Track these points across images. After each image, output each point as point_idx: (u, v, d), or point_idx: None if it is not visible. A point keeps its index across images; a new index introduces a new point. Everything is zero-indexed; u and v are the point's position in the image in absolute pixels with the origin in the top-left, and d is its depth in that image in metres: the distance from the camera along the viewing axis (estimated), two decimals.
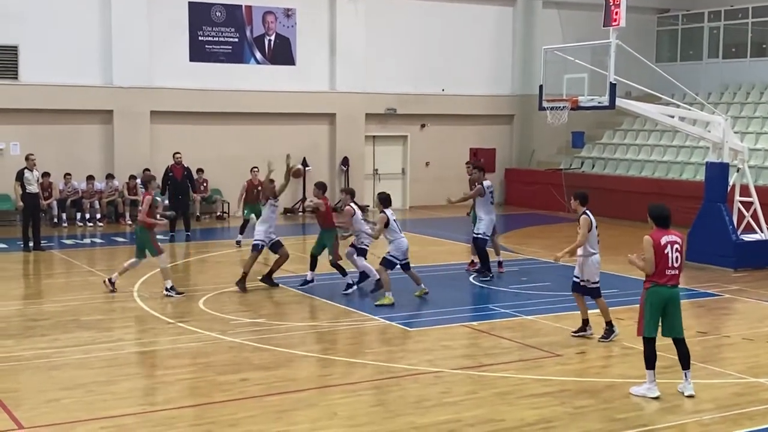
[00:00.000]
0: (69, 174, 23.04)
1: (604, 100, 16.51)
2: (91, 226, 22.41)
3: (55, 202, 22.44)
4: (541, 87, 18.03)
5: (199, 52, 24.84)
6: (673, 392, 9.18)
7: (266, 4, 25.69)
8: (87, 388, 9.16)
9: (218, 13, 25.03)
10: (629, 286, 14.86)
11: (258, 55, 25.67)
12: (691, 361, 9.17)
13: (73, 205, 22.96)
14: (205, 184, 24.55)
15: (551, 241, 18.24)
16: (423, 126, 28.32)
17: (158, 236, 17.34)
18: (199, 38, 24.84)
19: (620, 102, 16.93)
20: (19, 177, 18.40)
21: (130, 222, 22.78)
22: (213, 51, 25.04)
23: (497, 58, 29.23)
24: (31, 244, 18.44)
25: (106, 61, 23.59)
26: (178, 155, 21.24)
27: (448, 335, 11.72)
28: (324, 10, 26.49)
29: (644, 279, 9.15)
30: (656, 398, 8.97)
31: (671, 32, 30.74)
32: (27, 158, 18.67)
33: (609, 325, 11.29)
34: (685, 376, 9.10)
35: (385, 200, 14.05)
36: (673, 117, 18.10)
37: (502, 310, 13.11)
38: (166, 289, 13.95)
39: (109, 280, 14.36)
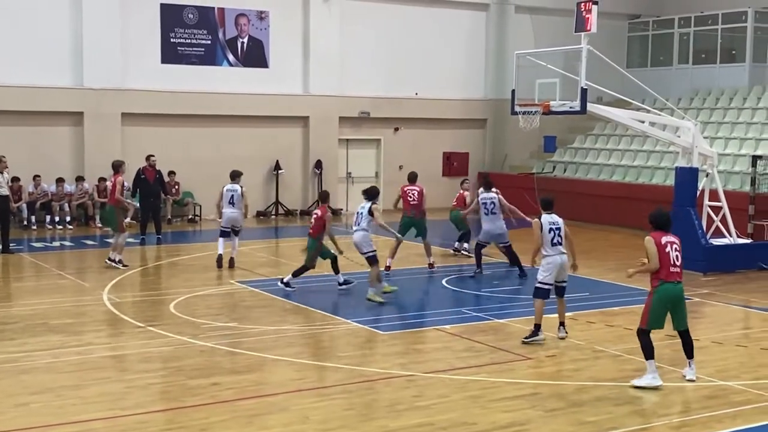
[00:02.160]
0: (38, 176, 22.80)
1: (576, 105, 16.63)
2: (60, 229, 22.19)
3: (24, 205, 22.20)
4: (513, 91, 18.13)
5: (171, 54, 24.68)
6: (642, 395, 9.25)
7: (239, 6, 25.60)
8: (56, 393, 9.07)
9: (191, 15, 24.89)
10: (601, 290, 14.97)
11: (231, 57, 25.57)
12: (663, 363, 9.25)
13: (42, 207, 22.72)
14: (176, 187, 24.40)
15: (524, 244, 18.29)
16: (396, 129, 28.35)
17: (129, 239, 17.29)
18: (171, 40, 24.69)
19: (591, 107, 17.05)
20: None
21: (100, 225, 22.59)
22: (185, 53, 24.90)
23: (470, 63, 29.32)
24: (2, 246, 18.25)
25: (76, 62, 23.38)
26: (152, 158, 21.09)
27: (421, 338, 11.73)
28: (298, 12, 26.44)
29: (651, 278, 9.56)
30: (658, 388, 9.33)
31: (642, 38, 31.00)
32: None
33: (536, 328, 11.29)
34: (690, 365, 9.77)
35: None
36: (643, 122, 18.25)
37: (474, 314, 13.14)
38: (110, 259, 16.34)
39: (112, 259, 16.37)
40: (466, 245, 18.58)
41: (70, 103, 23.31)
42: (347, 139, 27.64)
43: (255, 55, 25.91)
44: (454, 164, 29.00)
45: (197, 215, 24.72)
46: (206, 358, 10.54)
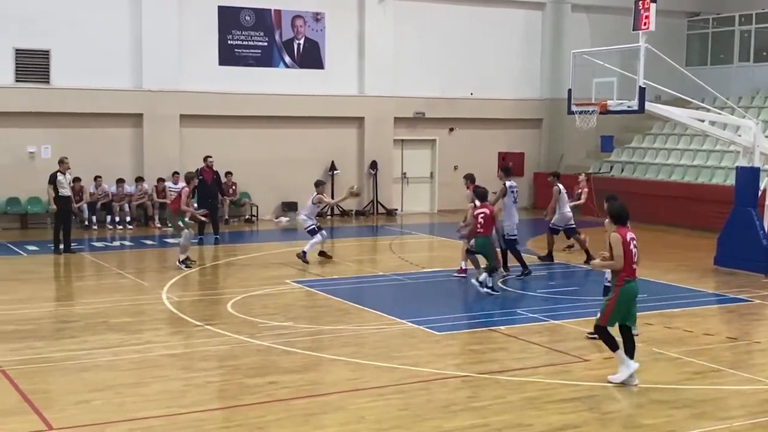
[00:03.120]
0: (99, 177, 23.25)
1: (634, 104, 16.40)
2: (120, 229, 22.60)
3: (85, 205, 22.66)
4: (569, 91, 17.95)
5: (228, 56, 24.98)
6: (702, 398, 9.09)
7: (296, 8, 25.80)
8: (116, 390, 9.23)
9: (247, 17, 25.16)
10: (659, 291, 14.75)
11: (287, 58, 25.78)
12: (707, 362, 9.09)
13: (103, 208, 23.17)
14: (233, 188, 24.68)
15: (580, 245, 18.15)
16: (451, 130, 28.28)
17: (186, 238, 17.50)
18: (228, 42, 24.98)
19: (650, 106, 16.80)
20: (52, 180, 18.60)
21: (159, 225, 22.96)
22: (242, 55, 25.17)
23: (526, 62, 29.13)
24: (61, 246, 18.62)
25: (136, 64, 23.79)
26: (210, 159, 21.38)
27: (476, 339, 11.69)
28: (353, 13, 26.54)
29: (613, 275, 9.56)
30: (633, 376, 9.44)
31: (701, 36, 30.47)
32: (61, 161, 18.87)
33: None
34: (629, 365, 9.50)
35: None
36: (703, 121, 17.95)
37: (530, 315, 13.05)
38: (180, 261, 16.50)
39: (182, 261, 16.60)
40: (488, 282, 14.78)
41: (129, 105, 23.73)
42: (402, 140, 27.66)
43: (311, 57, 26.07)
44: (510, 164, 28.76)
45: (254, 215, 24.96)
46: (263, 357, 10.63)
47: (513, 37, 28.89)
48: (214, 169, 21.49)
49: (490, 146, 28.50)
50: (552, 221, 18.19)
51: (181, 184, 20.56)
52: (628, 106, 16.63)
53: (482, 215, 14.43)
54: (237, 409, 8.73)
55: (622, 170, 27.10)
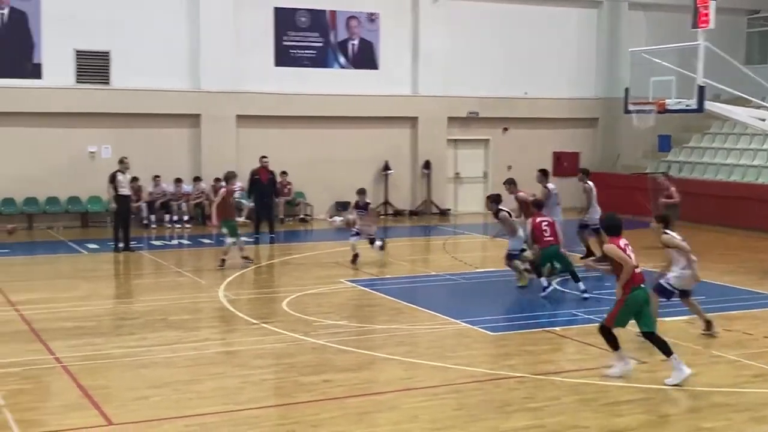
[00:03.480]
0: (158, 176, 23.62)
1: (693, 103, 16.15)
2: (178, 228, 22.93)
3: (144, 204, 23.04)
4: (627, 90, 17.75)
5: (284, 57, 25.19)
6: (762, 402, 8.92)
7: (350, 8, 25.91)
8: (174, 387, 9.37)
9: (303, 18, 25.34)
10: (718, 293, 14.50)
11: (341, 59, 25.90)
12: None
13: (161, 207, 23.53)
14: (289, 187, 24.88)
15: (635, 246, 17.91)
16: (505, 129, 28.14)
17: (243, 238, 17.71)
18: (284, 43, 25.19)
19: (709, 105, 16.53)
20: (112, 179, 18.95)
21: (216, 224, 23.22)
22: (297, 55, 25.36)
23: (581, 61, 28.85)
24: (121, 245, 18.95)
25: (193, 66, 24.12)
26: (264, 159, 21.59)
27: (530, 340, 11.61)
28: (407, 14, 26.57)
29: (623, 286, 9.46)
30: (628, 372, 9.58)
31: (761, 34, 29.86)
32: (121, 161, 19.22)
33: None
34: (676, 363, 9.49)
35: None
36: (763, 120, 17.59)
37: (585, 316, 12.92)
38: (244, 257, 16.86)
39: (245, 257, 16.91)
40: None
41: (187, 105, 24.06)
42: (455, 140, 27.59)
43: (365, 57, 26.16)
44: (564, 164, 28.56)
45: (308, 215, 25.13)
46: (317, 355, 10.70)
47: (568, 35, 28.62)
48: (270, 169, 21.69)
49: (544, 146, 28.29)
50: (584, 218, 17.88)
51: (239, 184, 20.68)
52: (687, 105, 16.39)
53: (546, 223, 14.35)
54: (292, 406, 8.80)
55: (680, 170, 26.68)
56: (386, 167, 26.27)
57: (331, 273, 16.35)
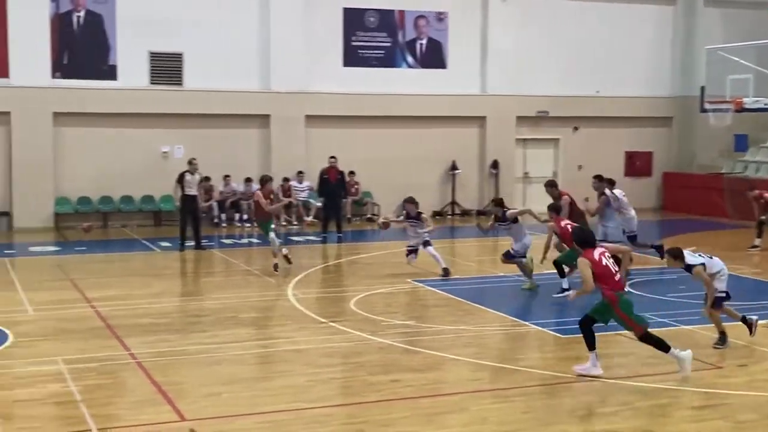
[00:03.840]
0: (228, 176, 23.95)
1: None
2: (248, 227, 23.20)
3: (215, 203, 23.38)
4: (702, 88, 17.38)
5: (352, 57, 25.32)
6: None
7: (419, 8, 25.90)
8: (245, 384, 9.47)
9: (371, 18, 25.42)
10: None
11: (410, 58, 25.91)
12: None
13: (231, 206, 23.85)
14: (356, 187, 24.98)
15: (712, 248, 17.51)
16: (576, 128, 27.80)
17: (311, 237, 17.80)
18: (353, 43, 25.31)
19: None
20: (180, 179, 19.27)
21: (284, 223, 23.47)
22: (366, 56, 25.45)
23: (655, 59, 28.34)
24: (187, 243, 19.19)
25: (264, 67, 24.38)
26: (333, 159, 21.74)
27: (603, 343, 11.40)
28: (476, 12, 26.45)
29: (605, 294, 9.52)
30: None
31: None
32: (190, 162, 19.52)
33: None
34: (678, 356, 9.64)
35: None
36: None
37: (659, 320, 12.65)
38: (285, 256, 16.43)
39: (285, 255, 16.49)
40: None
41: (257, 106, 24.34)
42: (524, 139, 27.37)
43: (433, 56, 26.12)
44: (636, 164, 28.14)
45: (375, 215, 25.18)
46: (385, 354, 10.70)
47: (641, 33, 28.14)
48: (339, 168, 21.83)
49: (616, 145, 27.88)
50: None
51: (302, 183, 20.97)
52: (766, 104, 15.96)
53: (572, 227, 14.05)
54: (361, 405, 8.81)
55: (758, 170, 26.00)
56: (453, 167, 26.19)
57: (399, 273, 16.34)
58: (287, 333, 12.09)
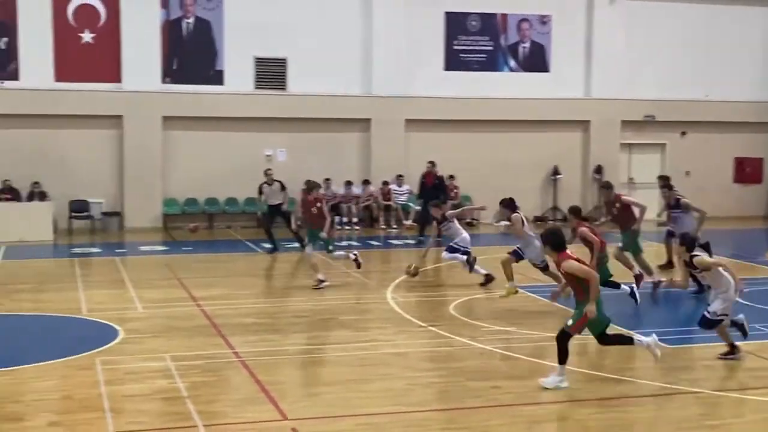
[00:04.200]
0: (329, 179, 24.23)
1: None
2: (348, 229, 23.42)
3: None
4: None
5: (454, 61, 25.31)
6: None
7: (522, 11, 25.70)
8: (345, 385, 9.55)
9: (473, 22, 25.35)
10: None
11: (512, 62, 25.72)
12: None
13: (332, 209, 24.09)
14: (456, 191, 24.92)
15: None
16: (683, 134, 27.08)
17: (409, 241, 17.84)
18: (454, 47, 25.29)
19: None
20: (260, 191, 19.67)
21: (383, 226, 23.61)
22: (467, 59, 25.40)
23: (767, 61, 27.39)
24: (271, 246, 19.45)
25: (365, 71, 24.61)
26: (430, 164, 21.78)
27: (710, 354, 11.09)
28: (581, 15, 26.09)
29: (577, 294, 9.32)
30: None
31: None
32: (265, 173, 19.87)
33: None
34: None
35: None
36: None
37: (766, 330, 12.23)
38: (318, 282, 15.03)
39: (356, 260, 15.59)
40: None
41: (359, 110, 24.58)
42: (629, 144, 26.82)
43: (536, 60, 25.87)
44: (746, 170, 27.23)
45: (475, 219, 25.07)
46: (485, 360, 10.64)
47: (752, 35, 27.28)
48: (438, 172, 21.85)
49: (725, 151, 27.07)
50: (670, 226, 16.88)
51: (401, 187, 20.95)
52: None
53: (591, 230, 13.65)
54: (461, 411, 8.78)
55: None
56: (555, 171, 25.86)
57: (499, 278, 16.19)
58: (387, 336, 12.14)
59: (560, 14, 26.01)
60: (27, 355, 10.65)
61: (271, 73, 24.16)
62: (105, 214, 23.38)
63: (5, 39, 22.89)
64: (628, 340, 9.76)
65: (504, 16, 25.65)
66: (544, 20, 25.91)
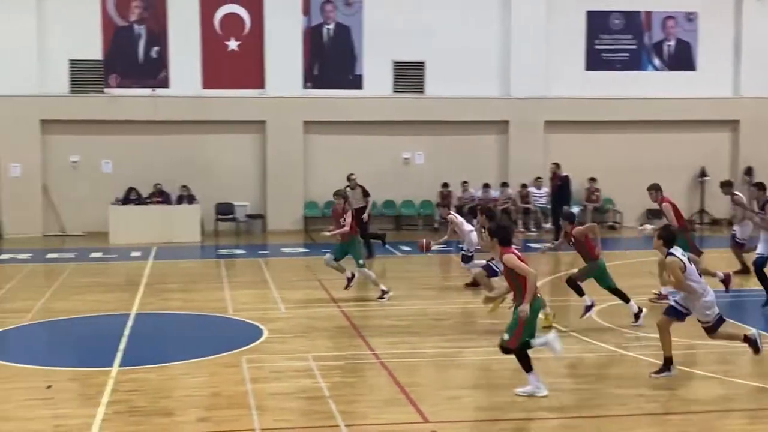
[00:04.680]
0: (466, 182, 24.16)
1: None
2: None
3: (453, 209, 23.62)
4: None
5: (595, 61, 24.78)
6: None
7: (667, 8, 24.93)
8: (485, 389, 9.48)
9: (616, 21, 24.76)
10: None
11: (656, 61, 24.97)
12: None
13: (469, 212, 23.96)
14: (597, 194, 24.37)
15: None
16: None
17: (548, 244, 17.48)
18: (596, 46, 24.76)
19: None
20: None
21: (522, 230, 23.33)
22: (609, 59, 24.82)
23: None
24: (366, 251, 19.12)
25: (503, 73, 24.43)
26: (553, 165, 21.55)
27: None
28: (728, 11, 25.07)
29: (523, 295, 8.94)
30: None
31: None
32: (348, 178, 19.85)
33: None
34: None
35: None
36: None
37: None
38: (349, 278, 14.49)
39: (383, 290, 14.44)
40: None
41: (497, 112, 24.44)
42: None
43: (681, 58, 25.05)
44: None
45: (617, 222, 24.47)
46: (630, 368, 10.34)
47: None
48: (563, 174, 21.45)
49: None
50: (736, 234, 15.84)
51: (540, 189, 20.52)
52: None
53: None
54: (606, 418, 8.56)
55: None
56: (702, 173, 24.92)
57: (644, 283, 15.71)
58: None
59: (707, 10, 25.05)
60: (177, 352, 11.08)
61: (409, 76, 24.31)
62: (249, 216, 24.08)
63: (156, 48, 23.94)
64: (526, 346, 9.11)
65: (648, 13, 24.91)
66: (690, 17, 25.02)
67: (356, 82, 24.38)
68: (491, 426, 8.33)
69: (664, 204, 14.67)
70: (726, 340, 10.22)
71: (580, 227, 12.68)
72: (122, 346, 11.30)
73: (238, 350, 11.03)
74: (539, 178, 24.06)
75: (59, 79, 23.30)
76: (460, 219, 15.68)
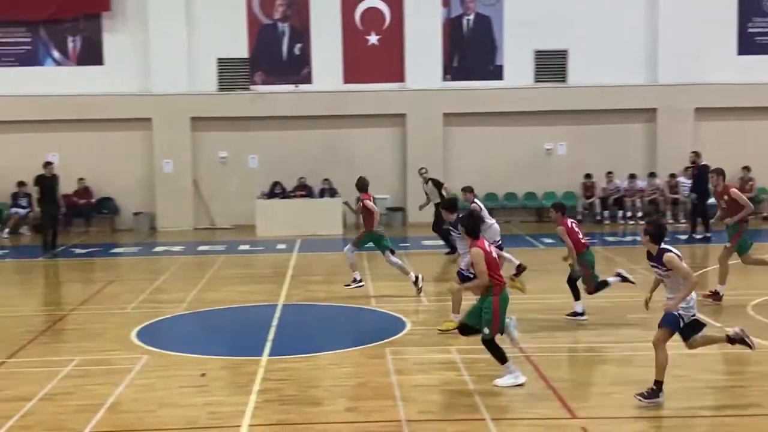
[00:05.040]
0: (611, 173, 23.56)
1: None
2: (632, 224, 22.64)
3: (597, 200, 23.13)
4: None
5: (748, 44, 23.71)
6: None
7: None
8: (635, 386, 9.15)
9: None
10: None
11: None
12: None
13: (614, 203, 23.42)
14: (751, 183, 23.31)
15: None
16: None
17: (695, 235, 16.82)
18: (749, 30, 23.65)
19: None
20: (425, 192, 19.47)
21: (671, 221, 22.58)
22: (764, 42, 23.68)
23: None
24: (448, 249, 18.63)
25: (650, 59, 23.69)
26: (692, 153, 20.68)
27: None
28: None
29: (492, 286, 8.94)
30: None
31: None
32: (419, 173, 19.69)
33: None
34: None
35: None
36: None
37: None
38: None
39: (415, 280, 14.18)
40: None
41: (644, 99, 23.83)
42: None
43: None
44: None
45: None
46: None
47: None
48: (701, 162, 20.51)
49: None
50: None
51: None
52: None
53: (575, 223, 12.45)
54: (764, 417, 8.17)
55: None
56: None
57: None
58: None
59: None
60: (324, 342, 11.28)
61: (551, 65, 23.89)
62: (389, 209, 24.26)
63: (299, 45, 24.45)
64: (502, 361, 9.18)
65: None
66: None
67: (496, 73, 24.16)
68: (644, 423, 8.08)
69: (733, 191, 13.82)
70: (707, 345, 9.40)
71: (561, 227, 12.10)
72: (271, 336, 11.61)
73: (382, 342, 11.13)
74: (688, 167, 23.16)
75: (208, 78, 24.14)
76: None
